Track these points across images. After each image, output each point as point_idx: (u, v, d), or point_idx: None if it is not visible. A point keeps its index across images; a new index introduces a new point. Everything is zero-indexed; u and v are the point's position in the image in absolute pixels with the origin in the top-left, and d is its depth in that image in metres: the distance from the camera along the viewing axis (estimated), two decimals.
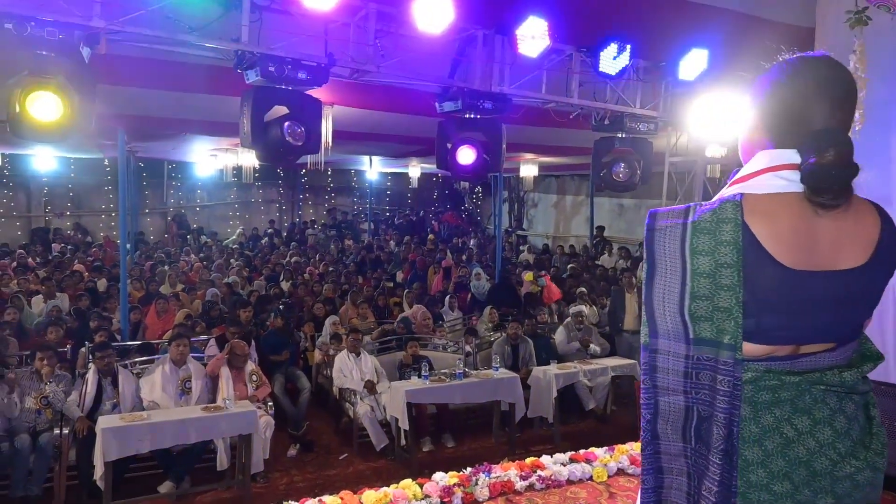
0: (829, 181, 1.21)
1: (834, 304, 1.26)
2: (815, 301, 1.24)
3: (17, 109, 3.22)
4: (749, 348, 1.23)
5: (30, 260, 11.60)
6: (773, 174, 1.27)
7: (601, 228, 15.06)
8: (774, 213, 1.23)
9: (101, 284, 9.55)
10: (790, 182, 1.25)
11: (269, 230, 16.96)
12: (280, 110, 4.16)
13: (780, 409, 1.26)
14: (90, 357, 5.79)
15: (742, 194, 1.24)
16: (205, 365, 5.87)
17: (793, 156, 1.26)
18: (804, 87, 1.28)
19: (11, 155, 13.41)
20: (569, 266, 12.42)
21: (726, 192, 1.31)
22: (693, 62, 5.17)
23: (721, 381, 1.23)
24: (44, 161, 13.21)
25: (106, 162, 14.88)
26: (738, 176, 1.32)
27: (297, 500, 3.15)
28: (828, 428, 1.27)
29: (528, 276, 10.18)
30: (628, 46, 4.94)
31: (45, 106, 3.29)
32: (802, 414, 1.26)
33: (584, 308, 8.34)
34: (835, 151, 1.20)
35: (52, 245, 13.65)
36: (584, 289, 9.87)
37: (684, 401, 1.27)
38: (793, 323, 1.25)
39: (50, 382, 5.27)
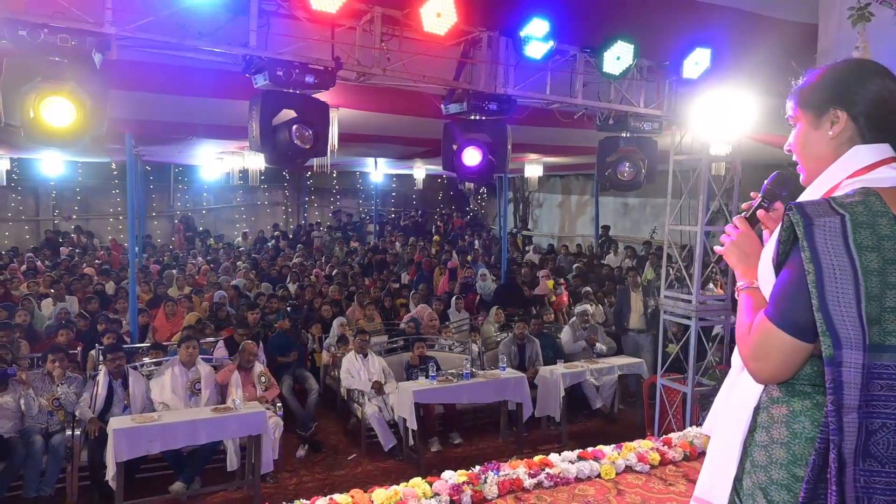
0: None
1: None
2: None
3: (32, 115, 3.27)
4: None
5: (39, 263, 11.69)
6: (887, 167, 1.27)
7: (606, 228, 15.07)
8: None
9: (110, 287, 9.64)
10: None
11: (276, 233, 17.05)
12: (288, 114, 4.21)
13: None
14: (100, 359, 5.85)
15: (873, 189, 1.21)
16: (214, 368, 5.92)
17: (889, 150, 1.29)
18: (887, 76, 1.31)
19: (20, 159, 13.52)
20: (574, 266, 12.45)
21: (847, 186, 1.27)
22: (696, 61, 5.19)
23: (895, 387, 1.15)
24: (52, 165, 13.32)
25: (113, 166, 15.00)
26: (853, 170, 1.29)
27: (308, 500, 3.19)
28: None
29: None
30: (632, 46, 4.96)
31: (58, 111, 3.35)
32: None
33: (590, 307, 8.36)
34: None
35: (61, 248, 13.76)
36: (589, 288, 9.90)
37: (857, 417, 1.16)
38: None
39: (61, 384, 5.33)
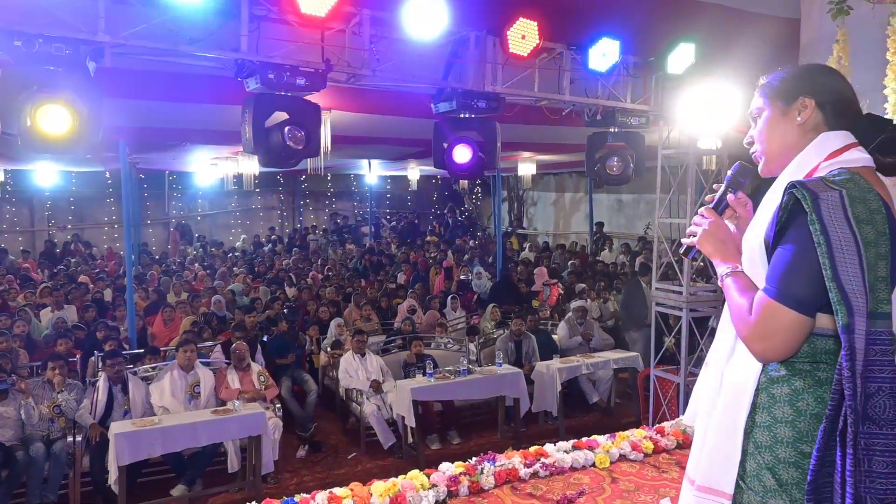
0: None
1: None
2: None
3: (28, 123, 3.34)
4: None
5: (35, 274, 11.70)
6: (856, 150, 1.37)
7: (601, 224, 15.17)
8: (881, 183, 1.32)
9: (107, 295, 9.67)
10: (868, 157, 1.36)
11: (273, 237, 17.12)
12: (280, 116, 4.28)
13: None
14: (100, 365, 5.90)
15: (851, 168, 1.31)
16: (213, 371, 5.98)
17: (851, 135, 1.39)
18: (840, 78, 1.44)
19: (14, 170, 13.54)
20: (569, 263, 12.56)
21: (825, 168, 1.35)
22: (681, 56, 5.28)
23: (888, 353, 1.21)
24: (46, 175, 13.34)
25: (107, 174, 15.01)
26: (827, 153, 1.38)
27: (308, 494, 3.26)
28: None
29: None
30: (617, 42, 5.05)
31: (54, 119, 3.41)
32: None
33: (585, 303, 8.44)
34: (893, 126, 1.38)
35: (70, 260, 13.74)
36: (584, 285, 9.98)
37: (861, 382, 1.20)
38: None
39: (62, 391, 5.37)
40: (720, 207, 1.55)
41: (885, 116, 1.45)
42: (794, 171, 1.41)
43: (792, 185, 1.28)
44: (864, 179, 1.27)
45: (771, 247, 1.33)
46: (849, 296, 1.20)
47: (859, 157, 1.36)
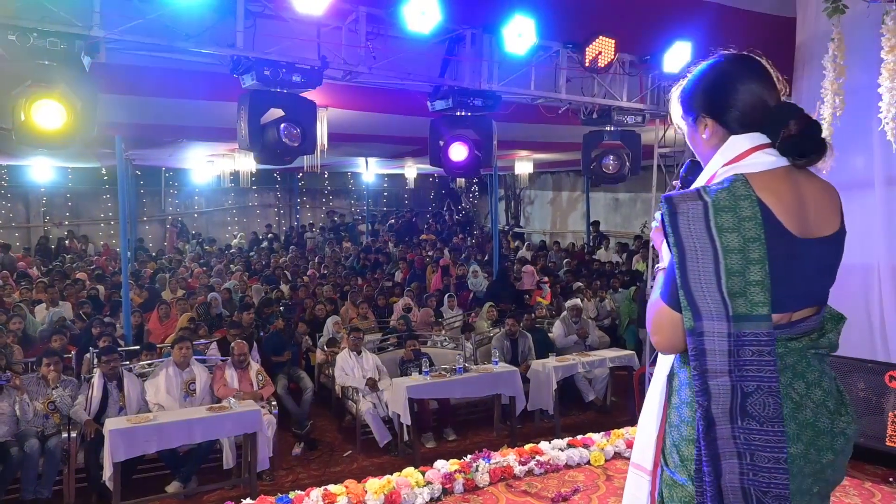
0: (807, 144, 1.36)
1: (821, 269, 1.37)
2: (811, 267, 1.35)
3: (23, 118, 3.33)
4: None
5: (33, 270, 11.67)
6: (761, 153, 1.37)
7: (597, 223, 15.18)
8: (777, 187, 1.33)
9: (103, 291, 9.65)
10: (777, 158, 1.37)
11: (270, 235, 17.11)
12: (276, 113, 4.27)
13: (784, 375, 1.34)
14: (95, 362, 5.88)
15: (742, 174, 1.33)
16: (209, 369, 5.97)
17: (762, 137, 1.39)
18: (748, 77, 1.42)
19: (10, 166, 13.50)
20: (565, 261, 12.58)
21: (722, 174, 1.38)
22: (677, 55, 5.28)
23: (765, 353, 1.27)
24: (42, 171, 13.30)
25: (103, 170, 14.98)
26: (728, 159, 1.39)
27: (303, 491, 3.25)
28: (818, 389, 1.36)
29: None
30: (613, 41, 5.05)
31: (48, 114, 3.40)
32: (799, 378, 1.35)
33: (580, 301, 8.46)
34: (795, 120, 1.36)
35: (65, 256, 13.71)
36: (580, 283, 9.99)
37: (729, 381, 1.28)
38: (796, 290, 1.34)
39: (57, 388, 5.36)
40: None
41: (810, 112, 1.43)
42: (702, 177, 1.47)
43: (660, 199, 1.36)
44: (745, 186, 1.29)
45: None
46: (696, 301, 1.28)
47: (762, 160, 1.37)
